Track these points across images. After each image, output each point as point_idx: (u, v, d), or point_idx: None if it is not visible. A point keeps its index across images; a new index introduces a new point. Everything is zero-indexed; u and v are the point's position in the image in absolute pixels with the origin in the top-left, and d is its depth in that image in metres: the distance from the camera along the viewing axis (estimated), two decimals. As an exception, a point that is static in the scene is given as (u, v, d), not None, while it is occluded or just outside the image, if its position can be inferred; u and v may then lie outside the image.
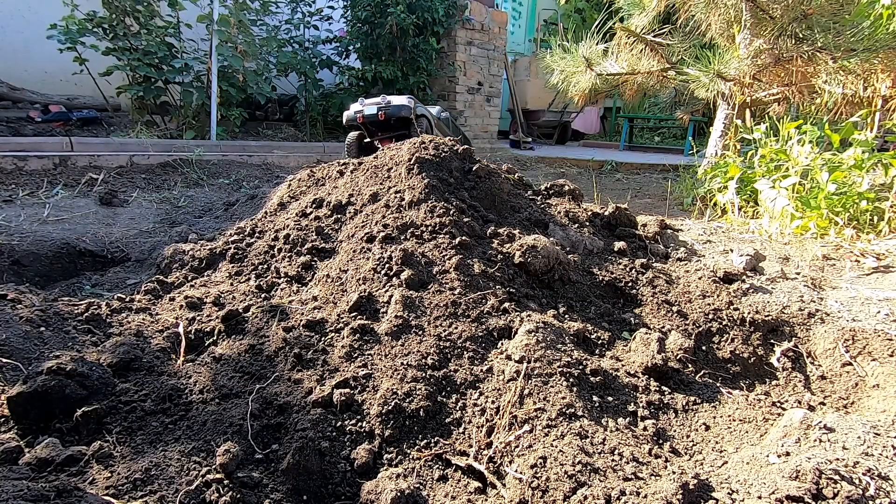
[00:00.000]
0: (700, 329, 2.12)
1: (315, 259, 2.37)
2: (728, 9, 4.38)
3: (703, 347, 2.06)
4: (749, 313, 2.14)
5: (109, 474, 1.30)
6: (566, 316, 2.07)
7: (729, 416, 1.68)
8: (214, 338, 1.96)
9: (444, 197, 2.46)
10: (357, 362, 1.74)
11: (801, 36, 4.03)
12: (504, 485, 1.36)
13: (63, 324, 1.98)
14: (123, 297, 2.28)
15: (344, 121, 3.54)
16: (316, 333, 1.88)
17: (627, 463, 1.33)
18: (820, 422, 1.36)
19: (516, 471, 1.33)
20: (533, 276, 2.22)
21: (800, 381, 1.94)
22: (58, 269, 2.78)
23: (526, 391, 1.54)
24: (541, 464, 1.30)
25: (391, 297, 1.98)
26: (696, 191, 4.42)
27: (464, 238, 2.23)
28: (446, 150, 2.75)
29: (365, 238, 2.29)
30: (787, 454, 1.28)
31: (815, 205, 3.22)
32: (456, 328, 1.86)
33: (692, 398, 1.74)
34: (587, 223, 2.71)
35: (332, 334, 1.86)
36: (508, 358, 1.70)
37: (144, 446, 1.44)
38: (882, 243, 3.00)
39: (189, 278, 2.49)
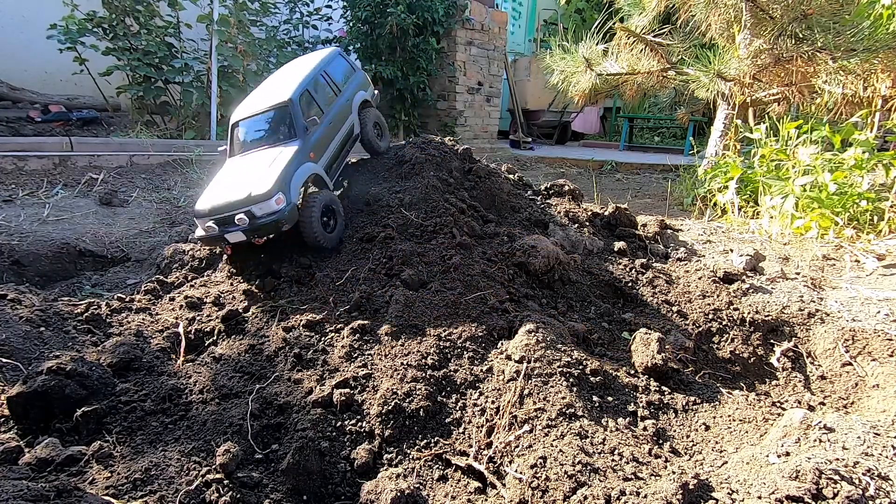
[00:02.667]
0: (700, 329, 2.12)
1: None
2: (728, 9, 4.38)
3: (703, 347, 2.06)
4: (749, 313, 2.14)
5: (109, 474, 1.30)
6: (566, 316, 2.07)
7: (729, 416, 1.68)
8: (214, 338, 1.96)
9: (444, 197, 2.46)
10: (357, 362, 1.74)
11: (801, 36, 4.03)
12: (504, 485, 1.36)
13: (63, 324, 1.98)
14: (123, 297, 2.28)
15: (195, 236, 2.31)
16: (316, 333, 1.88)
17: (627, 463, 1.33)
18: (820, 422, 1.36)
19: (516, 471, 1.33)
20: (533, 276, 2.22)
21: (800, 381, 1.94)
22: (58, 268, 2.78)
23: (526, 391, 1.54)
24: (541, 464, 1.30)
25: (391, 296, 1.98)
26: (696, 191, 4.42)
27: (464, 238, 2.23)
28: (446, 149, 2.75)
29: (365, 238, 2.29)
30: (787, 454, 1.28)
31: (820, 203, 3.23)
32: (456, 328, 1.86)
33: (692, 398, 1.74)
34: (587, 223, 2.71)
35: (332, 334, 1.86)
36: (508, 358, 1.70)
37: (144, 446, 1.44)
38: (882, 243, 3.00)
39: (189, 278, 2.49)
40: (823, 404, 1.84)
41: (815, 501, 1.08)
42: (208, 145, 5.47)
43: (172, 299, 2.26)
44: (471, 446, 1.47)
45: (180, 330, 1.95)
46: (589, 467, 1.27)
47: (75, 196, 3.76)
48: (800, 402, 1.82)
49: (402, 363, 1.69)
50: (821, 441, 1.30)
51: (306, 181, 2.27)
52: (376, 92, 2.92)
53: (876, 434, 1.30)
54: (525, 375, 1.58)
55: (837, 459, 1.19)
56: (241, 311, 2.04)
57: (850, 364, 1.90)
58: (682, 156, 7.75)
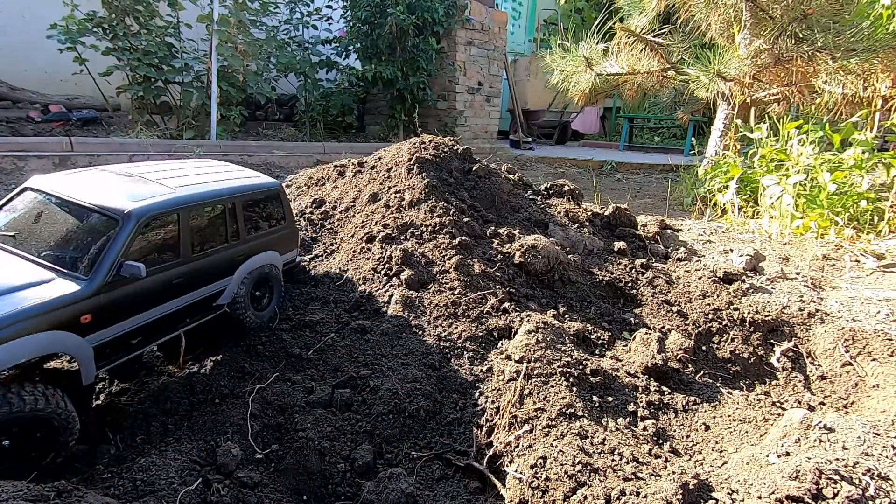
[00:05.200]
0: (700, 329, 2.12)
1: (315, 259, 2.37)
2: (728, 9, 4.38)
3: (703, 347, 2.06)
4: (749, 313, 2.14)
5: (109, 474, 1.30)
6: (566, 316, 2.07)
7: (729, 416, 1.68)
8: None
9: (444, 197, 2.46)
10: (357, 362, 1.74)
11: (801, 36, 4.03)
12: (504, 485, 1.36)
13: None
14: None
15: None
16: (316, 333, 1.88)
17: (627, 463, 1.33)
18: (820, 422, 1.36)
19: (516, 471, 1.33)
20: (533, 276, 2.22)
21: (800, 381, 1.94)
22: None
23: (526, 391, 1.54)
24: (541, 464, 1.30)
25: (391, 297, 1.98)
26: (696, 191, 4.42)
27: (464, 238, 2.23)
28: (446, 149, 2.75)
29: (365, 238, 2.29)
30: (787, 454, 1.28)
31: (820, 203, 3.23)
32: (456, 328, 1.86)
33: (692, 398, 1.74)
34: (587, 223, 2.71)
35: (333, 334, 1.86)
36: (508, 358, 1.70)
37: (145, 446, 1.44)
38: (882, 243, 3.00)
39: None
40: (823, 404, 1.84)
41: (815, 501, 1.08)
42: (208, 145, 5.47)
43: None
44: (471, 446, 1.47)
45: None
46: (589, 467, 1.27)
47: (75, 196, 3.75)
48: (800, 402, 1.82)
49: (401, 363, 1.69)
50: (821, 441, 1.30)
51: (26, 363, 1.21)
52: (299, 258, 2.18)
53: (876, 434, 1.30)
54: (525, 375, 1.58)
55: (837, 459, 1.19)
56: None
57: (850, 364, 1.90)
58: (682, 156, 7.75)
